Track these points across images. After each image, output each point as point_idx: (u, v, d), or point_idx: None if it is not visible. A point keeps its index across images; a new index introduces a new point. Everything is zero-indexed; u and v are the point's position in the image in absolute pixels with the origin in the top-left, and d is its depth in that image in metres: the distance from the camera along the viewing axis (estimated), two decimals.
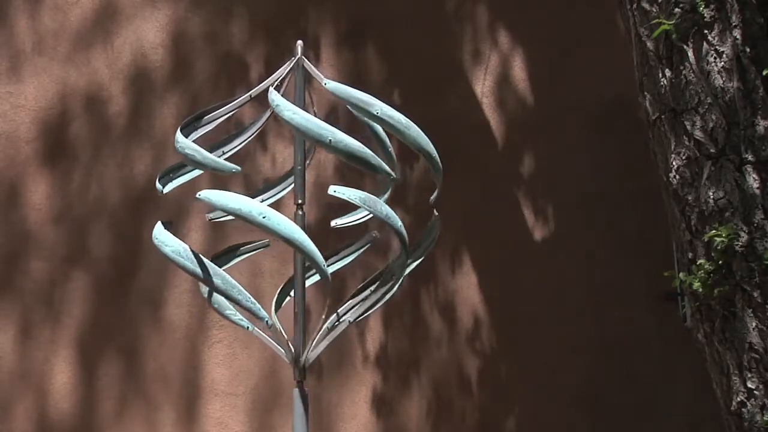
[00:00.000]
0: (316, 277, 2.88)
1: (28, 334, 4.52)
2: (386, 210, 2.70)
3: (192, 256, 2.67)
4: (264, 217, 2.60)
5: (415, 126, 2.76)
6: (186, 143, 2.76)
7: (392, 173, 2.74)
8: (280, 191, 3.15)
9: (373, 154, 2.68)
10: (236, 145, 3.02)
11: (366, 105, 2.72)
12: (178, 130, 2.81)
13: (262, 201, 3.03)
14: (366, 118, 2.80)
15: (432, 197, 2.90)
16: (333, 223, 2.95)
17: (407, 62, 4.92)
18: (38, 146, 4.67)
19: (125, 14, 4.81)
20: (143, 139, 4.71)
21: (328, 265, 2.80)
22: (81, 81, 4.74)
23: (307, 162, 3.06)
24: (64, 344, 4.52)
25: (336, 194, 2.63)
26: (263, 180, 4.62)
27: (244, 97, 2.91)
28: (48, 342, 4.51)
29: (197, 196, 2.67)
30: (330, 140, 2.60)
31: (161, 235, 2.72)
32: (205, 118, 2.90)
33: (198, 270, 2.67)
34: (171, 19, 4.83)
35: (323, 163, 4.67)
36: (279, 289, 2.96)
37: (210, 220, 3.04)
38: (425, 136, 2.78)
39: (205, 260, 2.69)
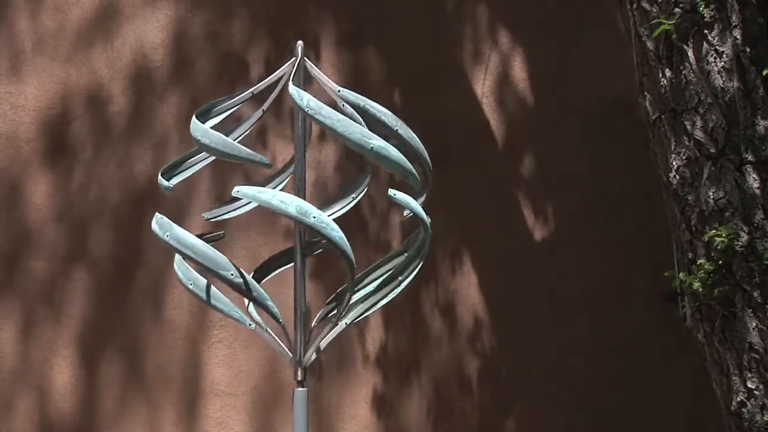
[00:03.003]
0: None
1: (28, 333, 4.52)
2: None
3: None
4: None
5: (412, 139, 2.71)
6: (211, 133, 2.66)
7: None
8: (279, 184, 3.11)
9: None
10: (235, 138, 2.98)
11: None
12: (195, 119, 2.73)
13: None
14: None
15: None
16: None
17: (407, 62, 4.92)
18: (38, 146, 4.67)
19: (125, 14, 4.82)
20: (143, 139, 4.72)
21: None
22: (81, 81, 4.74)
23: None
24: (64, 344, 4.52)
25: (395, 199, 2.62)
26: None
27: (246, 93, 2.90)
28: (48, 342, 4.52)
29: (392, 195, 2.59)
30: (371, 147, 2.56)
31: (310, 207, 2.53)
32: (213, 110, 2.88)
33: (350, 252, 2.57)
34: (171, 18, 4.83)
35: (323, 162, 4.67)
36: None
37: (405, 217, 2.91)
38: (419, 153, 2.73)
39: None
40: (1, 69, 4.72)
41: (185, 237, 2.60)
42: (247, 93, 2.90)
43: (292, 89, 2.60)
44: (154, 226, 2.64)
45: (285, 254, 3.01)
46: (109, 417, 4.49)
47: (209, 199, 4.58)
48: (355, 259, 2.98)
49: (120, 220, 4.64)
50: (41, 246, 4.58)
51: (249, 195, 2.57)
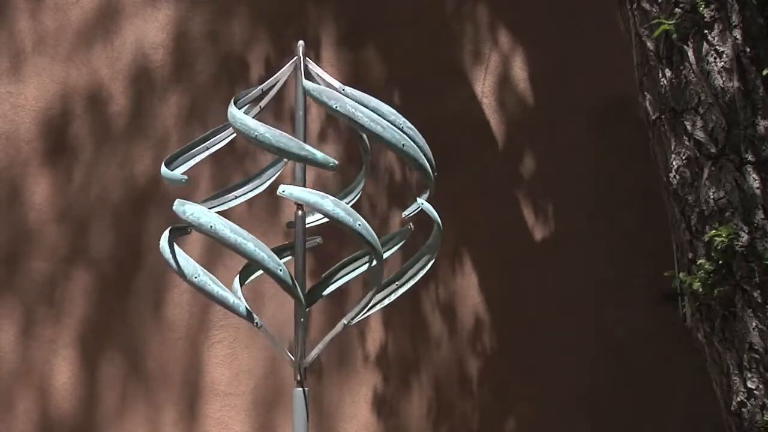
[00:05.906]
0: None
1: (28, 333, 4.52)
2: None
3: None
4: None
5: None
6: (267, 129, 2.67)
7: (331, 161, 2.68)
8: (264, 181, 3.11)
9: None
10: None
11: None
12: (237, 112, 2.71)
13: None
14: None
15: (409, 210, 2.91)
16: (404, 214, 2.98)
17: (407, 62, 4.92)
18: (38, 146, 4.67)
19: (125, 14, 4.82)
20: (144, 139, 4.72)
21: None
22: (81, 81, 4.74)
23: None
24: (64, 344, 4.52)
25: (283, 195, 2.63)
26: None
27: (254, 109, 2.91)
28: (48, 342, 4.52)
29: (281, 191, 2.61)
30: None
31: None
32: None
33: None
34: (171, 18, 4.83)
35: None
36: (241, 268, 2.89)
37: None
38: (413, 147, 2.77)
39: None
40: (1, 69, 4.72)
41: (371, 232, 2.71)
42: (255, 109, 2.90)
43: (307, 85, 2.65)
44: (330, 206, 2.61)
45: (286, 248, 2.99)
46: (109, 417, 4.49)
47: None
48: None
49: (120, 220, 4.64)
50: (41, 246, 4.58)
51: (426, 207, 2.81)
